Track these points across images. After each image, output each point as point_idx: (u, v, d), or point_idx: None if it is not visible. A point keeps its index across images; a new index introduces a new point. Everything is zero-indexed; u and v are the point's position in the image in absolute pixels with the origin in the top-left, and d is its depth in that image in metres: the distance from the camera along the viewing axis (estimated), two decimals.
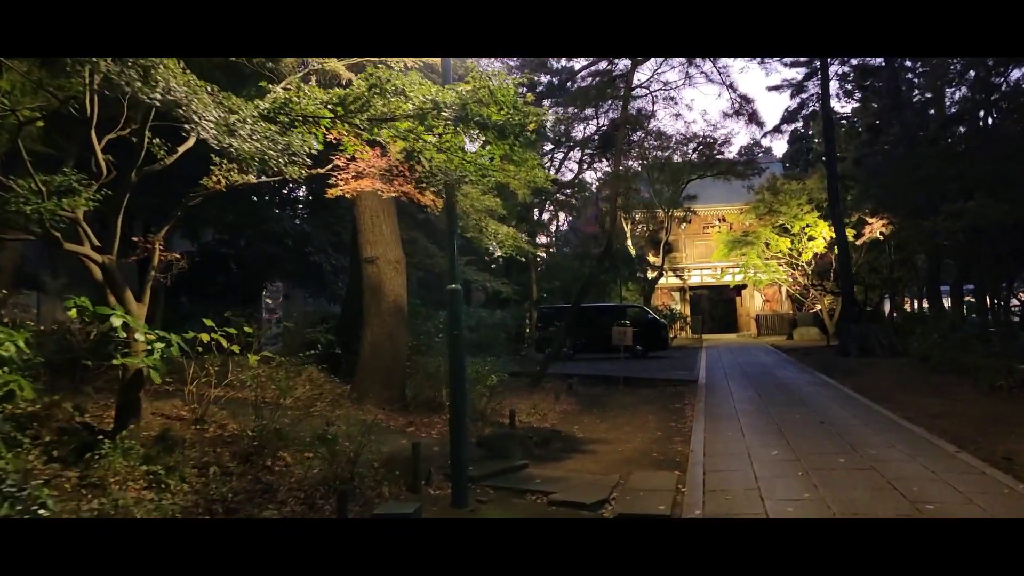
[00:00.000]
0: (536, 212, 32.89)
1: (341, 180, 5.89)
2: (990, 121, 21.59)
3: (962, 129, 23.57)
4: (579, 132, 28.14)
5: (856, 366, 17.44)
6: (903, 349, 19.67)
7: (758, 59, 25.18)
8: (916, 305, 37.01)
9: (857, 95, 31.01)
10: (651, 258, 34.76)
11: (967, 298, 29.26)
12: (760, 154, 34.53)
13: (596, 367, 18.46)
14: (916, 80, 26.38)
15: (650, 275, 33.32)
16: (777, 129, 30.30)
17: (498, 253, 8.93)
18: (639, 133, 24.12)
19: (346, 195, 6.01)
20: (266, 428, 6.48)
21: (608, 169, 29.17)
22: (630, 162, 27.81)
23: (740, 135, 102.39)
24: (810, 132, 40.95)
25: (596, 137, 26.94)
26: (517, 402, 11.85)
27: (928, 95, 26.63)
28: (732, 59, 26.25)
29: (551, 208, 36.45)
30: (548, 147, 31.86)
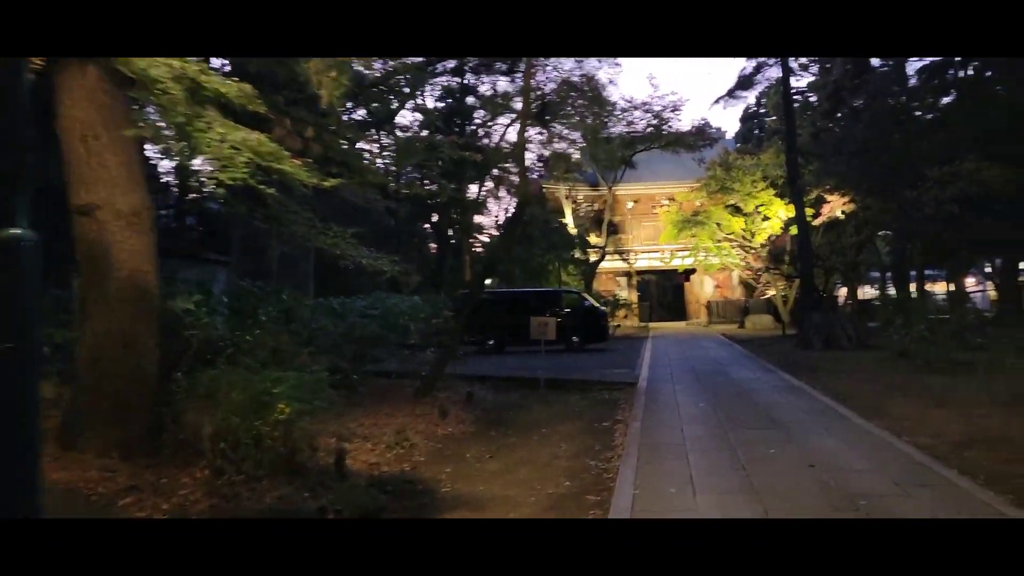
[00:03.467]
0: (477, 190, 29.67)
1: None
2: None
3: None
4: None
5: (823, 362, 14.74)
6: (872, 341, 17.27)
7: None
8: (870, 291, 35.29)
9: (814, 68, 28.95)
10: (593, 239, 31.77)
11: (931, 285, 27.36)
12: (711, 132, 31.98)
13: (522, 364, 15.36)
14: None
15: (592, 257, 30.35)
16: (731, 94, 27.57)
17: (217, 176, 5.31)
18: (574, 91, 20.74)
19: None
20: None
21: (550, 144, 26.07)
22: (565, 131, 24.59)
23: (690, 103, 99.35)
24: (762, 110, 38.81)
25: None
26: (385, 422, 8.56)
27: (891, 62, 24.54)
28: None
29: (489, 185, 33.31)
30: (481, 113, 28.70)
